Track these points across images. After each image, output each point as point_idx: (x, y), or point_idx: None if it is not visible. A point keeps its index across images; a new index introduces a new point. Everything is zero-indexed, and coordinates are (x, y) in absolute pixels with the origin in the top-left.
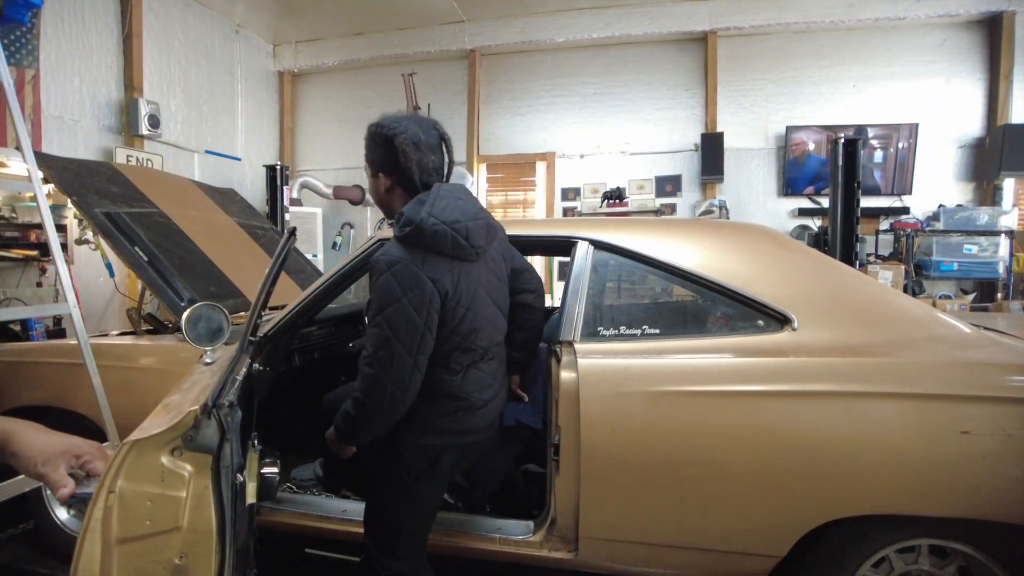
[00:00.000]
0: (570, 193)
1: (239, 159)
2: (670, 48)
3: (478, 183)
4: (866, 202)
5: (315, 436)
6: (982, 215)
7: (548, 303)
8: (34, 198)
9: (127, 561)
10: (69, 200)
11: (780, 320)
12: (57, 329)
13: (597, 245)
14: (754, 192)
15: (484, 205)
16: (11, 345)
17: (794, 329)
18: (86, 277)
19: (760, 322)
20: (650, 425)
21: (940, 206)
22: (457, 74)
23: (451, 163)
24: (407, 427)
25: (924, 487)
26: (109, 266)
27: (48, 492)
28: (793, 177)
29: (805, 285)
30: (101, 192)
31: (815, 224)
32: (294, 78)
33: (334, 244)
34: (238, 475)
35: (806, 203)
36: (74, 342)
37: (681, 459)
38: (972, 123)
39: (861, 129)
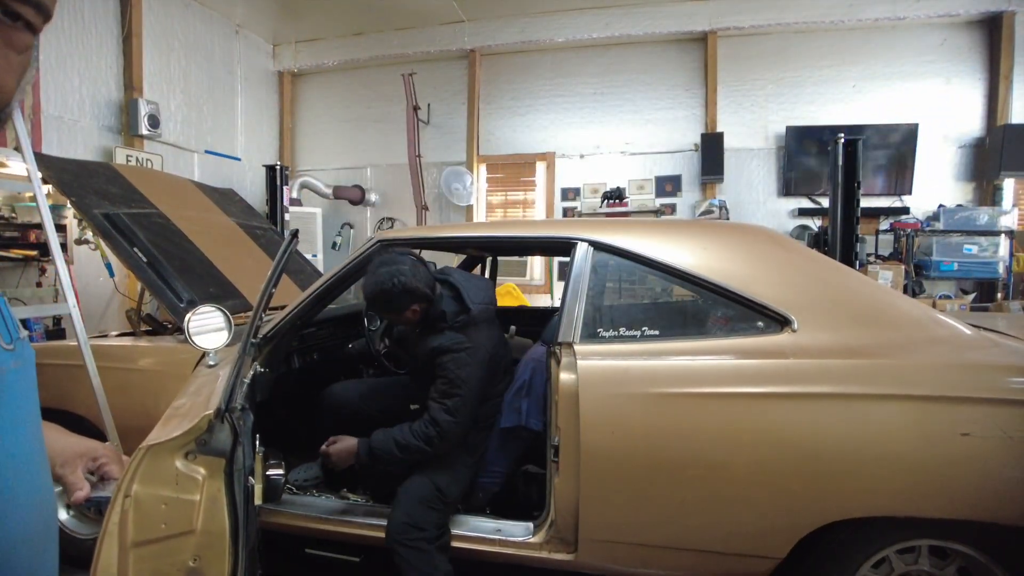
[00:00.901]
0: (570, 193)
1: (239, 159)
2: (670, 48)
3: (478, 183)
4: (866, 202)
5: (315, 437)
6: (982, 215)
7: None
8: (34, 198)
9: (143, 564)
10: (68, 201)
11: (780, 321)
12: (57, 329)
13: (596, 246)
14: (754, 192)
15: (484, 205)
16: None
17: (794, 330)
18: (86, 277)
19: (760, 323)
20: (650, 427)
21: (940, 206)
22: (457, 74)
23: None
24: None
25: (924, 489)
26: (109, 266)
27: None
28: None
29: (805, 286)
30: (100, 193)
31: (815, 224)
32: (294, 78)
33: (334, 244)
34: (249, 478)
35: (806, 203)
36: (73, 343)
37: (681, 461)
38: (972, 123)
39: (861, 129)
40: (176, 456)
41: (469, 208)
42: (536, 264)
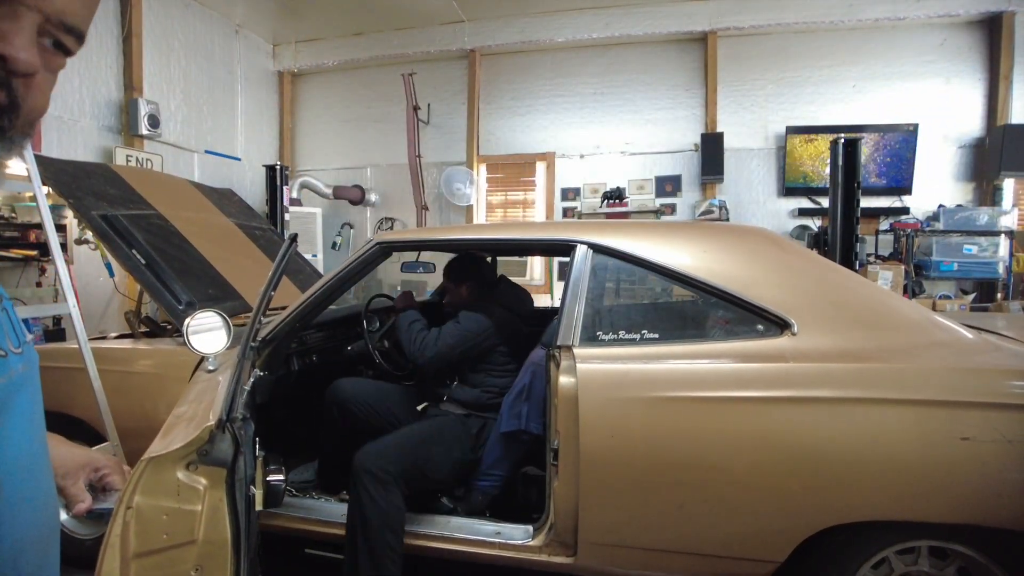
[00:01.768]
0: (570, 193)
1: (239, 159)
2: (670, 48)
3: (478, 183)
4: (866, 202)
5: (315, 435)
6: (982, 215)
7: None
8: (34, 198)
9: (145, 574)
10: (66, 203)
11: (780, 325)
12: (56, 329)
13: (596, 248)
14: (754, 192)
15: (484, 206)
16: None
17: (794, 334)
18: (86, 277)
19: (760, 327)
20: (649, 430)
21: (940, 206)
22: (457, 74)
23: None
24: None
25: (924, 493)
26: (108, 266)
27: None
28: None
29: (805, 289)
30: (98, 194)
31: (815, 224)
32: (294, 78)
33: (334, 244)
34: (251, 487)
35: (806, 203)
36: (72, 346)
37: (680, 464)
38: (972, 123)
39: (861, 129)
40: (178, 467)
41: (469, 208)
42: (536, 264)
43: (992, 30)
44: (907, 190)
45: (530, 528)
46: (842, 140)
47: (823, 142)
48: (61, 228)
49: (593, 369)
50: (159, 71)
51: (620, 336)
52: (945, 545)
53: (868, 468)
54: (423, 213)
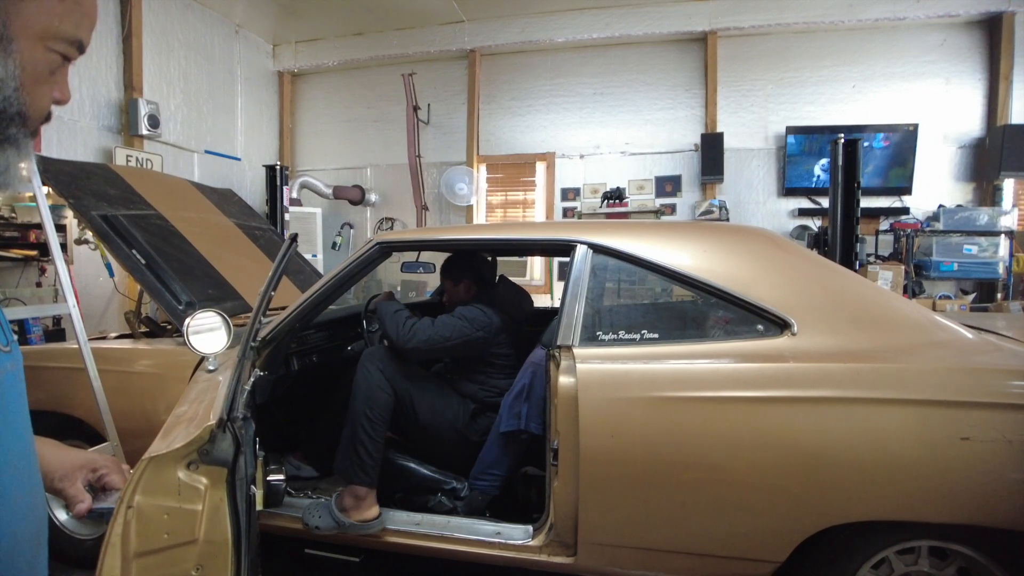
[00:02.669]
0: (570, 193)
1: (239, 159)
2: (670, 48)
3: (478, 184)
4: (866, 202)
5: (314, 440)
6: (982, 215)
7: (548, 304)
8: (34, 198)
9: (146, 574)
10: (66, 203)
11: (780, 325)
12: (56, 329)
13: (596, 248)
14: (754, 192)
15: (484, 206)
16: None
17: (794, 334)
18: (85, 277)
19: (760, 327)
20: (649, 430)
21: (940, 206)
22: (457, 74)
23: None
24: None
25: (924, 493)
26: (108, 266)
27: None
28: None
29: (805, 289)
30: (98, 194)
31: (815, 224)
32: (294, 78)
33: (334, 244)
34: (251, 486)
35: (806, 203)
36: (72, 346)
37: (680, 464)
38: (972, 123)
39: (861, 129)
40: (179, 466)
41: (469, 208)
42: (536, 264)
43: (992, 30)
44: (907, 190)
45: (530, 528)
46: (842, 140)
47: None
48: (61, 228)
49: (593, 369)
50: (159, 71)
51: (620, 336)
52: (945, 545)
53: (868, 468)
54: (423, 213)
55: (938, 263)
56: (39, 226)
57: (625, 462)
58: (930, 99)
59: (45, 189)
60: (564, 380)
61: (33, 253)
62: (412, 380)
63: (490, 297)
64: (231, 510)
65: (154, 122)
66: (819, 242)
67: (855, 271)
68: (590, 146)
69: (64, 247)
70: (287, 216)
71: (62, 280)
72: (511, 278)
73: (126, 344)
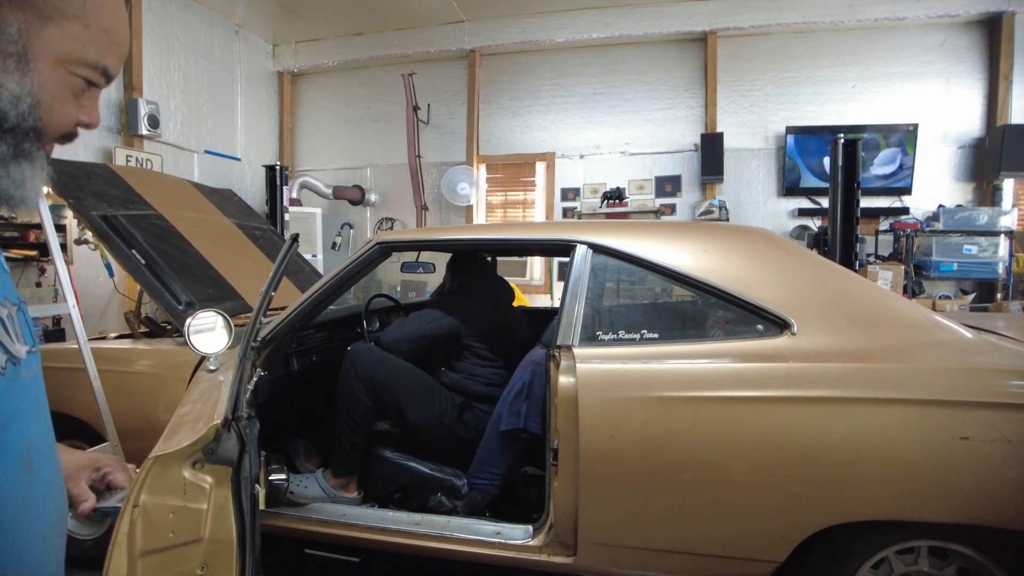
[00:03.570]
0: (570, 193)
1: (239, 159)
2: (670, 48)
3: (478, 184)
4: (866, 202)
5: (314, 441)
6: (982, 215)
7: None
8: None
9: (151, 573)
10: (66, 203)
11: (779, 325)
12: (56, 329)
13: (596, 248)
14: (754, 192)
15: (484, 206)
16: None
17: (793, 334)
18: (85, 277)
19: (759, 326)
20: (649, 430)
21: (940, 206)
22: (457, 74)
23: None
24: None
25: (924, 493)
26: (108, 266)
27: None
28: None
29: (805, 289)
30: (98, 195)
31: (815, 224)
32: (294, 78)
33: (334, 244)
34: (256, 485)
35: (806, 203)
36: (71, 346)
37: (680, 464)
38: (972, 123)
39: (861, 129)
40: (184, 465)
41: (469, 208)
42: (536, 264)
43: (992, 30)
44: (907, 190)
45: (530, 528)
46: (842, 140)
47: None
48: (61, 228)
49: (593, 369)
50: (159, 71)
51: (620, 336)
52: (945, 545)
53: (868, 468)
54: (423, 213)
55: (938, 263)
56: (39, 226)
57: (625, 462)
58: (930, 99)
59: (45, 189)
60: (564, 380)
61: (33, 253)
62: (393, 380)
63: (469, 292)
64: (236, 509)
65: (154, 122)
66: (819, 242)
67: (855, 271)
68: (590, 146)
69: (64, 247)
70: (287, 216)
71: (62, 280)
72: (511, 279)
73: (126, 344)
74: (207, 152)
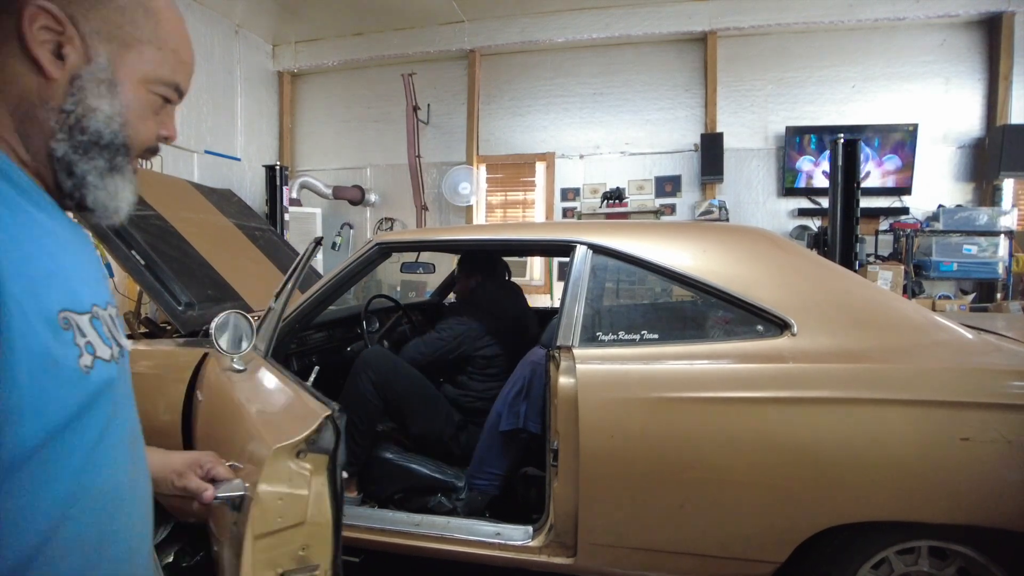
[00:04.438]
0: (570, 194)
1: (239, 159)
2: (670, 48)
3: (478, 184)
4: (866, 202)
5: None
6: (982, 215)
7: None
8: None
9: (261, 555)
10: None
11: (779, 325)
12: None
13: (595, 249)
14: (754, 192)
15: (484, 206)
16: None
17: (793, 334)
18: None
19: (759, 327)
20: (649, 431)
21: (940, 206)
22: (457, 74)
23: None
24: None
25: (924, 493)
26: (108, 266)
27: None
28: None
29: (805, 290)
30: None
31: (815, 224)
32: (294, 78)
33: (333, 244)
34: (342, 472)
35: (806, 203)
36: None
37: (680, 465)
38: (971, 123)
39: (861, 129)
40: (290, 456)
41: (469, 209)
42: (536, 264)
43: (992, 31)
44: (907, 190)
45: (530, 529)
46: (842, 140)
47: None
48: None
49: (593, 370)
50: None
51: (620, 336)
52: (945, 545)
53: (868, 468)
54: (423, 213)
55: (938, 263)
56: None
57: (625, 462)
58: (930, 99)
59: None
60: (564, 380)
61: None
62: (405, 389)
63: (477, 297)
64: (331, 494)
65: None
66: (819, 242)
67: (855, 271)
68: (590, 146)
69: None
70: (287, 216)
71: None
72: (511, 279)
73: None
74: (207, 152)
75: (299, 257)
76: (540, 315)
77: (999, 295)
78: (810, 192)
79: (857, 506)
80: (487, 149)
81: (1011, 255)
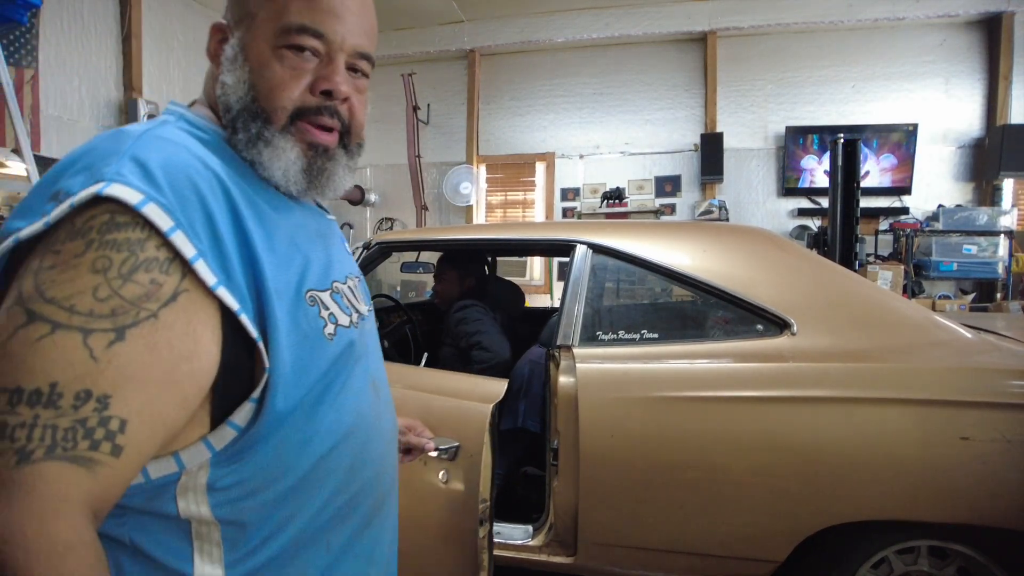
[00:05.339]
0: (570, 193)
1: None
2: (670, 48)
3: (478, 184)
4: (865, 202)
5: None
6: (981, 215)
7: (547, 304)
8: None
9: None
10: None
11: (779, 325)
12: None
13: (595, 248)
14: (753, 192)
15: (484, 206)
16: None
17: (793, 334)
18: None
19: (759, 327)
20: (649, 430)
21: (940, 206)
22: (457, 74)
23: None
24: None
25: (924, 493)
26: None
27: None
28: None
29: (804, 289)
30: None
31: (815, 224)
32: None
33: None
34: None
35: (806, 203)
36: None
37: (680, 464)
38: (971, 123)
39: (861, 129)
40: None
41: (469, 208)
42: (536, 264)
43: (991, 30)
44: (907, 190)
45: (530, 528)
46: (842, 140)
47: None
48: None
49: (593, 369)
50: (159, 71)
51: (620, 336)
52: (945, 545)
53: (868, 468)
54: (423, 213)
55: (938, 263)
56: None
57: (625, 462)
58: (929, 99)
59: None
60: (564, 380)
61: None
62: None
63: (483, 295)
64: (490, 442)
65: None
66: (819, 242)
67: (855, 271)
68: (590, 146)
69: None
70: None
71: None
72: (511, 278)
73: None
74: None
75: None
76: (538, 316)
77: (999, 295)
78: (810, 192)
79: (857, 505)
80: (487, 149)
81: (1011, 255)
